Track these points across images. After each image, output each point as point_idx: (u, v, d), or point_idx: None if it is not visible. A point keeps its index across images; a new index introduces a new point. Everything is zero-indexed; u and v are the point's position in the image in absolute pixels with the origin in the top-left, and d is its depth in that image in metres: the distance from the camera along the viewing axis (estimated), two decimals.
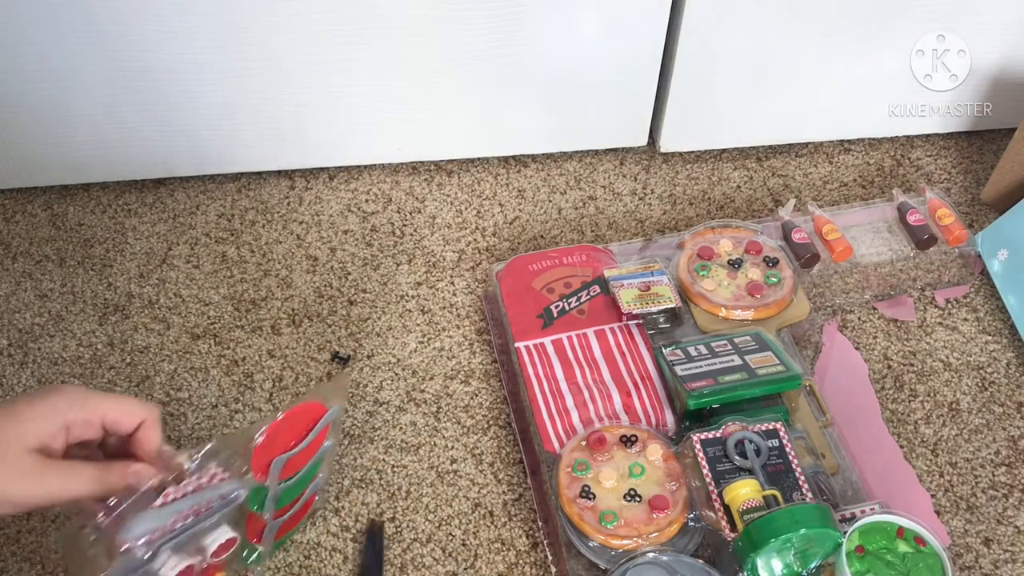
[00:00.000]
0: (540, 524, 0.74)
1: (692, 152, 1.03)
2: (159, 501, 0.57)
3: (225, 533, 0.61)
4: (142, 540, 0.56)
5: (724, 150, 1.04)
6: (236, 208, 0.97)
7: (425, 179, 1.00)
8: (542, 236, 0.95)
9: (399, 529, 0.74)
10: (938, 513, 0.75)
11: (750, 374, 0.75)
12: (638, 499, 0.69)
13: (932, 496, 0.76)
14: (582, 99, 0.95)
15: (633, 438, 0.73)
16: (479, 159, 1.02)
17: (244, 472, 0.61)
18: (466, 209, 0.98)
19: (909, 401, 0.82)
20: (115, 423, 0.59)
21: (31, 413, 0.56)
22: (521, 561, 0.73)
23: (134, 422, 0.59)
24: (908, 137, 1.05)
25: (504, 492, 0.77)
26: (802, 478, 0.69)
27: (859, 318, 0.88)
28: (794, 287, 0.83)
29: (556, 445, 0.75)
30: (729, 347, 0.78)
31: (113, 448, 0.61)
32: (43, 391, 0.58)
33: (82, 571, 0.57)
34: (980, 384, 0.83)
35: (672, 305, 0.81)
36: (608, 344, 0.81)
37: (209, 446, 0.60)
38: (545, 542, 0.73)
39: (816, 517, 0.64)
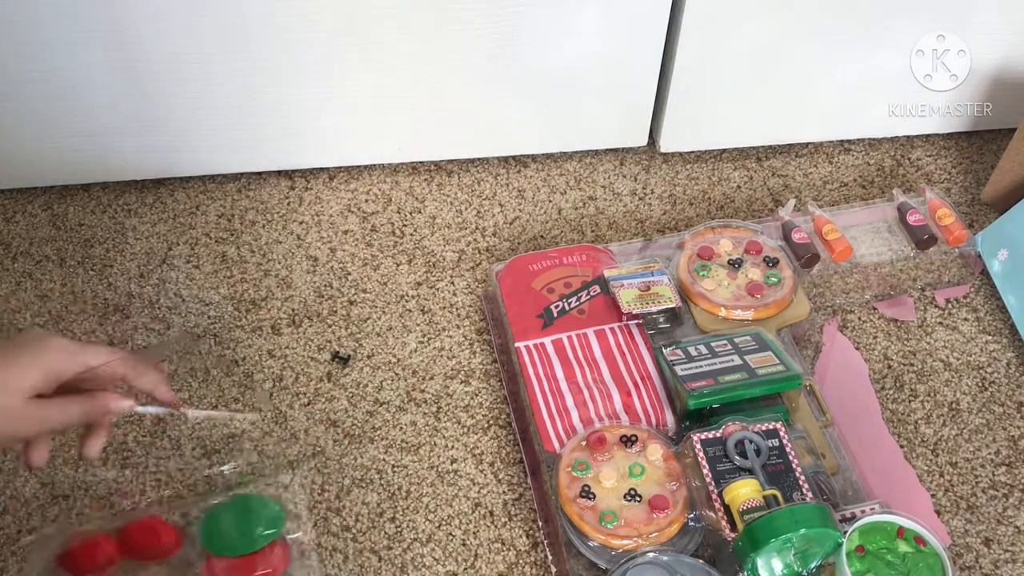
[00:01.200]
0: (540, 524, 0.74)
1: (692, 152, 1.03)
2: None
3: None
4: None
5: (724, 150, 1.03)
6: (236, 208, 0.97)
7: (425, 179, 1.00)
8: (542, 236, 0.95)
9: (399, 529, 0.74)
10: (938, 513, 0.75)
11: (750, 374, 0.75)
12: (638, 499, 0.69)
13: (932, 496, 0.76)
14: (582, 99, 0.95)
15: (633, 438, 0.73)
16: (479, 159, 1.02)
17: None
18: (466, 209, 0.98)
19: (909, 401, 0.82)
20: (96, 374, 0.61)
21: (30, 363, 0.57)
22: (521, 561, 0.73)
23: (110, 375, 0.61)
24: (908, 137, 1.05)
25: (504, 492, 0.77)
26: (802, 478, 0.69)
27: (859, 318, 0.88)
28: (794, 287, 0.83)
29: (556, 445, 0.75)
30: (729, 347, 0.78)
31: None
32: (33, 342, 0.59)
33: None
34: (980, 384, 0.83)
35: (672, 305, 0.81)
36: (608, 344, 0.81)
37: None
38: (545, 542, 0.73)
39: (816, 517, 0.64)
